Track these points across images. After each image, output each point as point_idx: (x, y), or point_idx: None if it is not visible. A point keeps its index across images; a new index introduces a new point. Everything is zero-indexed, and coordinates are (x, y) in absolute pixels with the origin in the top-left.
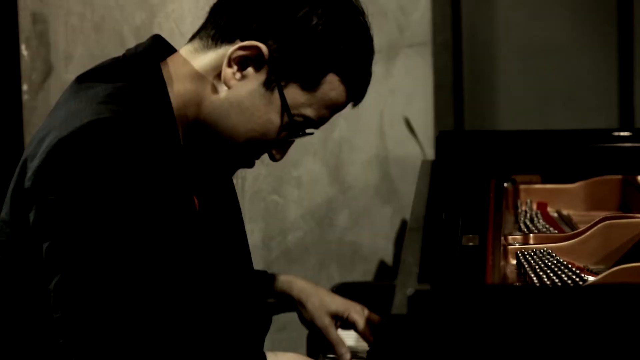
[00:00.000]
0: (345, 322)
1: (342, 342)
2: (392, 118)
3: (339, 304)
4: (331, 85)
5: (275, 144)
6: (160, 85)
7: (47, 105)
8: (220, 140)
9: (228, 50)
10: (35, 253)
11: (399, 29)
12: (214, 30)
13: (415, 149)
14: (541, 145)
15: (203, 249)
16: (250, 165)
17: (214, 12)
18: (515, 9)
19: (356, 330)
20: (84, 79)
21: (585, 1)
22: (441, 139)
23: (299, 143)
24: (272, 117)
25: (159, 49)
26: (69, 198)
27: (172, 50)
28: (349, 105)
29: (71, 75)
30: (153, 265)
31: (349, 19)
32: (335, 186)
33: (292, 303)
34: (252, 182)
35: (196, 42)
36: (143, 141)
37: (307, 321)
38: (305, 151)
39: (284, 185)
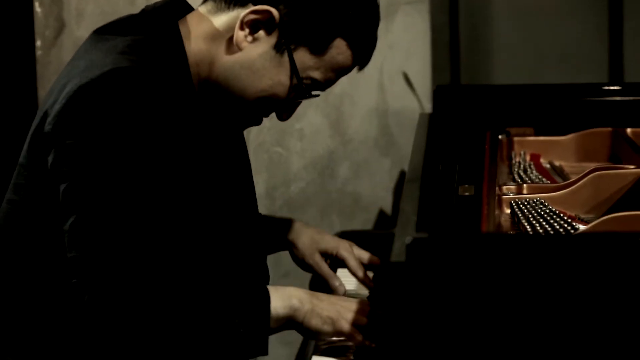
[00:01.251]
0: (334, 260)
1: (334, 275)
2: (391, 73)
3: (328, 241)
4: (339, 49)
5: (283, 104)
6: (177, 41)
7: (59, 61)
8: (231, 99)
9: (241, 13)
10: (52, 195)
11: None
12: None
13: (414, 102)
14: (534, 99)
15: (214, 194)
16: (258, 122)
17: None
18: None
19: (347, 266)
20: (102, 32)
21: None
22: (438, 93)
23: None
24: (282, 79)
25: (176, 7)
26: (87, 142)
27: (188, 9)
28: (355, 69)
29: (83, 31)
30: (164, 207)
31: None
32: (337, 138)
33: (285, 243)
34: (256, 134)
35: (209, 4)
36: (159, 90)
37: (299, 259)
38: (308, 105)
39: (286, 137)
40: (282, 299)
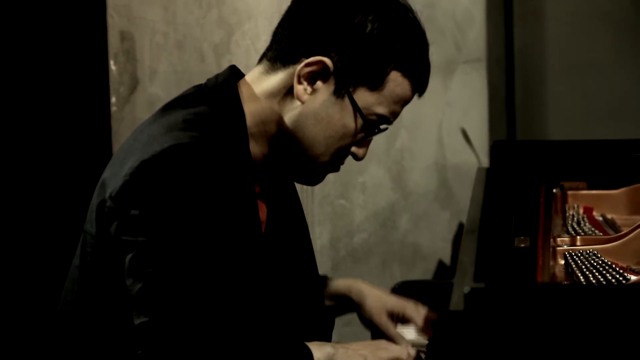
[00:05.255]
0: (401, 319)
1: (401, 337)
2: (449, 128)
3: (394, 302)
4: (395, 81)
5: (355, 144)
6: (236, 106)
7: (133, 117)
8: (303, 150)
9: (296, 69)
10: (117, 264)
11: (456, 46)
12: (277, 52)
13: (471, 157)
14: (587, 154)
15: (269, 260)
16: (337, 169)
17: (275, 36)
18: (563, 27)
19: (414, 325)
20: (168, 107)
21: (627, 22)
22: (495, 148)
23: None
24: (347, 122)
25: (235, 73)
26: (150, 214)
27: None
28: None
29: (155, 88)
30: (218, 275)
31: (400, 18)
32: (398, 191)
33: (352, 304)
34: (320, 187)
35: (264, 64)
36: (217, 164)
37: (367, 320)
38: (370, 159)
39: (350, 190)
40: (319, 348)
